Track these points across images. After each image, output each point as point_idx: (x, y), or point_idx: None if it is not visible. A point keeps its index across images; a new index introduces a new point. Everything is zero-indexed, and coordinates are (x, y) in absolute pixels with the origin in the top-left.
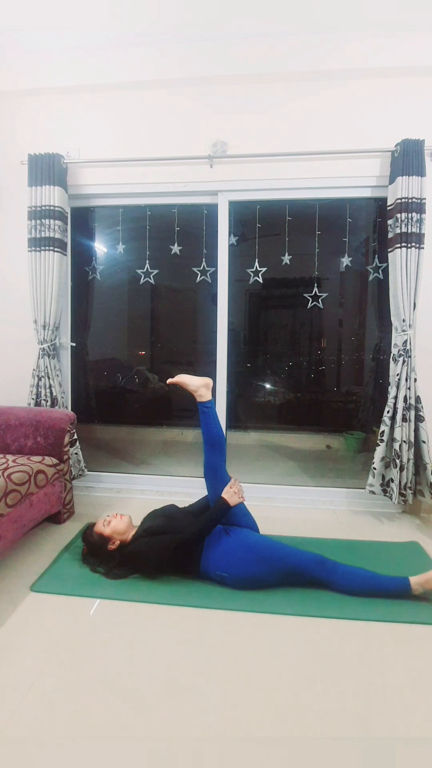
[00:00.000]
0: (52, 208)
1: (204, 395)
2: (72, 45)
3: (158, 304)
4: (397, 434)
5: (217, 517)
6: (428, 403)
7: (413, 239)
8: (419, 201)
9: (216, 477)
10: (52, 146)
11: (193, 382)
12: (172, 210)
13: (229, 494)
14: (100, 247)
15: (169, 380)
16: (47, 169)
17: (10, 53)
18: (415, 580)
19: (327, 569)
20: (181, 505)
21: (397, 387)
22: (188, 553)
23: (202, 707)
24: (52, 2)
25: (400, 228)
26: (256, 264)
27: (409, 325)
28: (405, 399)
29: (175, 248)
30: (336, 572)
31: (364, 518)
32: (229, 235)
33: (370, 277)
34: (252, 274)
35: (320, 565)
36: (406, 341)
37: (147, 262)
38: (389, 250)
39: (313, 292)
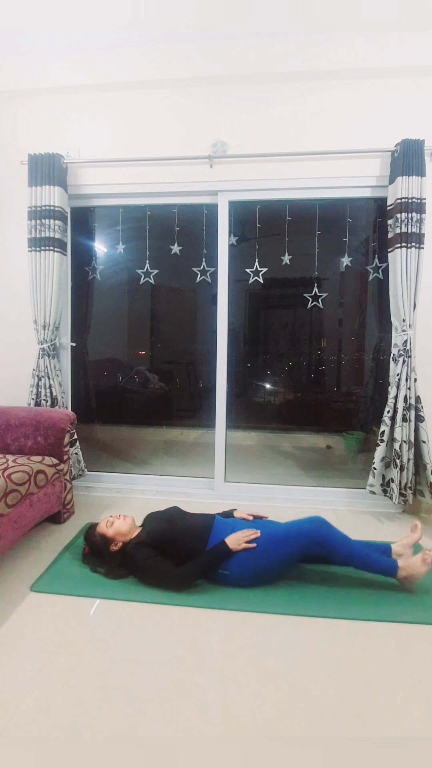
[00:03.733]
0: (52, 208)
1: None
2: (72, 45)
3: (158, 304)
4: (397, 434)
5: (214, 562)
6: (428, 403)
7: (413, 239)
8: (419, 201)
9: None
10: (52, 146)
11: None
12: (172, 210)
13: (233, 539)
14: (100, 247)
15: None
16: (47, 169)
17: (10, 53)
18: (401, 564)
19: (324, 529)
20: (182, 507)
21: (397, 387)
22: (189, 560)
23: (202, 707)
24: (52, 2)
25: (400, 228)
26: (256, 264)
27: (409, 325)
28: (405, 399)
29: (175, 248)
30: (331, 534)
31: (364, 518)
32: (229, 235)
33: (370, 277)
34: (252, 274)
35: (317, 525)
36: (406, 341)
37: (147, 262)
38: (389, 250)
39: (313, 292)
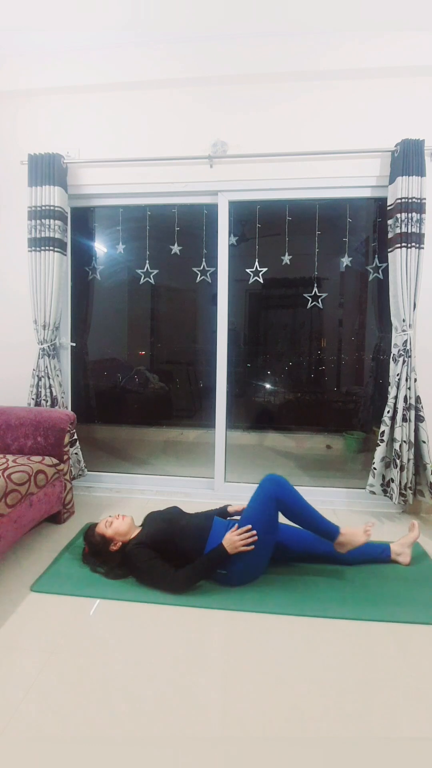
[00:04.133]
0: (52, 208)
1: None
2: (72, 45)
3: (158, 304)
4: (397, 434)
5: (212, 565)
6: (428, 403)
7: (413, 239)
8: (419, 201)
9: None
10: (52, 146)
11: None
12: (172, 210)
13: (230, 541)
14: (100, 247)
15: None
16: (47, 169)
17: (10, 53)
18: (343, 530)
19: (282, 487)
20: (182, 506)
21: (397, 387)
22: (188, 560)
23: (202, 707)
24: (52, 2)
25: (400, 228)
26: (256, 264)
27: (409, 325)
28: (405, 399)
29: (175, 248)
30: (289, 491)
31: (364, 518)
32: (229, 235)
33: (370, 277)
34: (252, 274)
35: (276, 485)
36: (406, 341)
37: (147, 262)
38: (389, 250)
39: (313, 292)
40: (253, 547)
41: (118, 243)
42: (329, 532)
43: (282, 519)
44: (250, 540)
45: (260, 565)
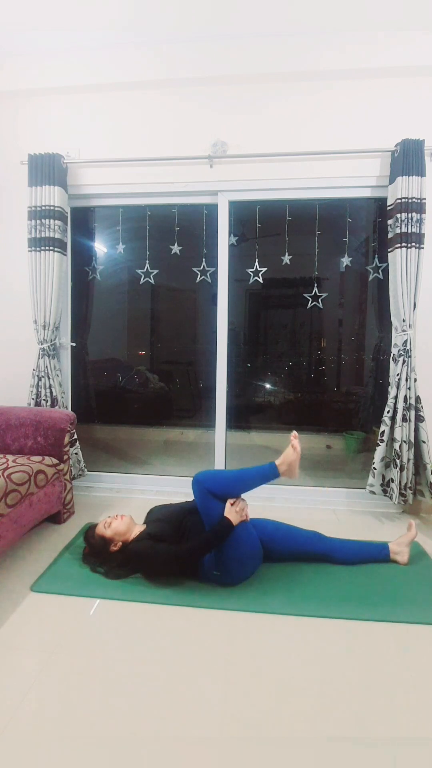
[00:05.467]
0: (52, 208)
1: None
2: (72, 45)
3: (158, 304)
4: (397, 434)
5: (219, 538)
6: (428, 403)
7: (413, 239)
8: (419, 201)
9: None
10: (52, 146)
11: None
12: (172, 210)
13: (232, 513)
14: (100, 247)
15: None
16: (47, 169)
17: (10, 53)
18: (278, 461)
19: (203, 481)
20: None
21: (397, 387)
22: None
23: (202, 707)
24: (52, 2)
25: (400, 228)
26: (256, 264)
27: (409, 325)
28: (405, 399)
29: (175, 248)
30: (209, 477)
31: (364, 518)
32: (229, 235)
33: (370, 277)
34: (252, 274)
35: (197, 480)
36: (406, 341)
37: (147, 262)
38: (389, 250)
39: (313, 292)
40: (248, 518)
41: (118, 243)
42: (267, 474)
43: (268, 515)
44: (246, 508)
45: (251, 560)
